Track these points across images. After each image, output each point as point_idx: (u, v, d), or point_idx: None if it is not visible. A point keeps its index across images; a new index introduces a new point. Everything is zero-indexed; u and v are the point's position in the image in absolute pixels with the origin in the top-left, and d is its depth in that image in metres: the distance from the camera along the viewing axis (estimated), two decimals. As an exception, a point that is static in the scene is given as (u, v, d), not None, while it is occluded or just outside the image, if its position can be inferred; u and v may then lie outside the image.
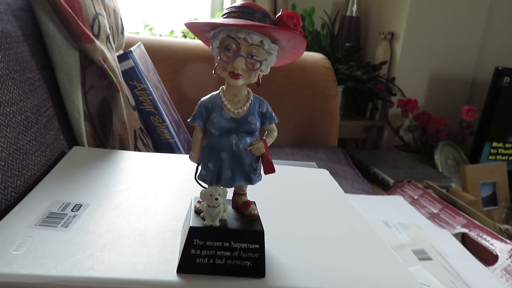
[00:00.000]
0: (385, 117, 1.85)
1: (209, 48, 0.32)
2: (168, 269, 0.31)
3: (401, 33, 1.78)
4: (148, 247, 0.34)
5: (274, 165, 0.33)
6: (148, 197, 0.43)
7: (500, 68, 1.58)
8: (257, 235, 0.31)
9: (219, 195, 0.31)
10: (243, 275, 0.31)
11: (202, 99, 0.32)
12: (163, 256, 0.33)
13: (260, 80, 0.31)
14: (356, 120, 1.88)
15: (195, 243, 0.31)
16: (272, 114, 0.33)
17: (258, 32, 0.29)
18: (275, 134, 0.33)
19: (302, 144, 1.27)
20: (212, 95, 0.32)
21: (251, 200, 0.34)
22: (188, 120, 0.32)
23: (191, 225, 0.31)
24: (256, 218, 0.33)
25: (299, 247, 0.37)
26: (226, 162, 0.31)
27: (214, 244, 0.31)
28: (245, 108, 0.31)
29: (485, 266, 0.63)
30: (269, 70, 0.32)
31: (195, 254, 0.31)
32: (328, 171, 0.59)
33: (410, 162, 1.48)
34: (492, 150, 1.65)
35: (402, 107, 1.73)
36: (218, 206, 0.31)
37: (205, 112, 0.31)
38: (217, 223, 0.31)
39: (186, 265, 0.31)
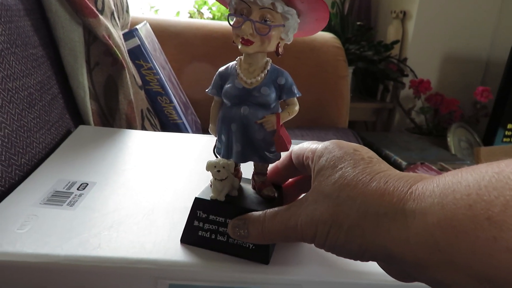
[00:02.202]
0: (396, 98, 1.81)
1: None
2: (178, 249, 0.30)
3: (414, 11, 1.72)
4: (156, 226, 0.32)
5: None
6: (156, 175, 0.42)
7: (517, 46, 1.52)
8: None
9: (223, 167, 0.29)
10: (245, 257, 0.29)
11: (220, 69, 0.30)
12: (172, 235, 0.31)
13: (280, 49, 0.29)
14: (366, 102, 1.84)
15: (198, 214, 0.30)
16: (291, 87, 0.29)
17: None
18: (295, 109, 0.30)
19: (311, 126, 1.25)
20: (229, 64, 0.30)
21: None
22: (207, 90, 0.31)
23: (196, 196, 0.30)
24: (271, 200, 0.31)
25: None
26: (236, 134, 0.29)
27: (217, 219, 0.30)
28: (259, 78, 0.29)
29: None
30: (291, 37, 0.29)
31: (198, 226, 0.30)
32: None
33: (422, 144, 1.45)
34: (506, 132, 1.61)
35: (414, 88, 1.69)
36: (222, 179, 0.29)
37: (220, 82, 0.30)
38: (223, 198, 0.30)
39: (189, 236, 0.30)
